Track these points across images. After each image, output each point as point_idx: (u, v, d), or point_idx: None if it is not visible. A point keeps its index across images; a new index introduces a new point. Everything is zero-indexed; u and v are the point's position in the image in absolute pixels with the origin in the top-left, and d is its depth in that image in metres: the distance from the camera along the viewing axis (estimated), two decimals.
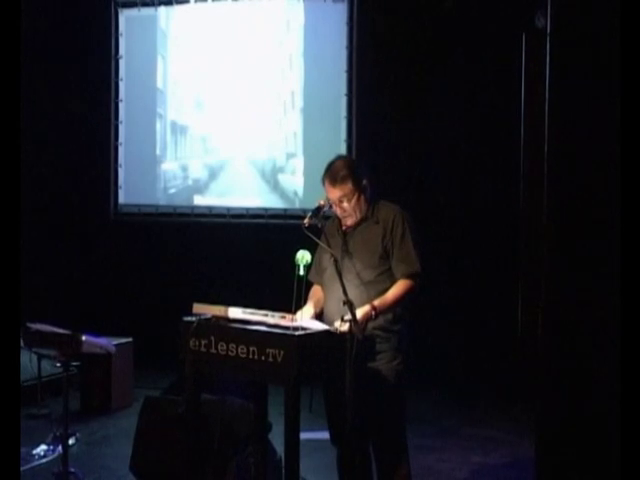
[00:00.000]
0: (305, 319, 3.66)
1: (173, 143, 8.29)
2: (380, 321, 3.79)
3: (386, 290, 3.81)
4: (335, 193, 3.85)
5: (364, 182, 3.89)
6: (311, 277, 4.00)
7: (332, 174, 3.87)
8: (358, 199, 3.86)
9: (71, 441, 5.21)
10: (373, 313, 3.70)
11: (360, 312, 3.62)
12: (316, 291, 4.05)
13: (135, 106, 8.37)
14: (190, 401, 3.85)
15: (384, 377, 3.80)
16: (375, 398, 3.78)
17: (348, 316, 3.49)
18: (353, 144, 7.62)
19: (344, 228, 3.95)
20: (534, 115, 6.27)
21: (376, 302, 3.73)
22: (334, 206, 3.89)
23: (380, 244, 3.85)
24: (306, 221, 3.67)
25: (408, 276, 3.84)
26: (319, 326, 3.63)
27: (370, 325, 3.73)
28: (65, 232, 8.31)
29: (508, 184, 6.97)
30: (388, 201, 3.99)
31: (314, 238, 3.70)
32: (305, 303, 3.87)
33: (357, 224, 3.92)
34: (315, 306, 3.95)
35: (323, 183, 3.90)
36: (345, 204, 3.86)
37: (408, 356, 3.89)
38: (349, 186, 3.84)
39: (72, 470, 4.59)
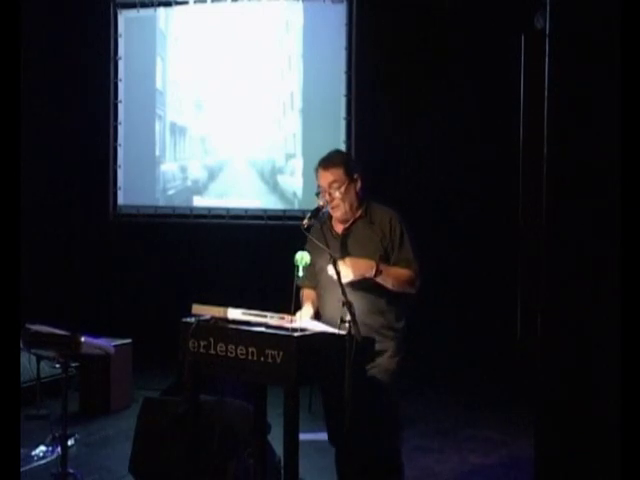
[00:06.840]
0: (305, 320, 3.67)
1: (172, 144, 8.28)
2: (384, 319, 3.82)
3: (383, 292, 3.82)
4: (327, 177, 3.85)
5: (356, 175, 3.90)
6: (301, 282, 3.99)
7: (326, 159, 3.92)
8: (348, 188, 3.86)
9: (70, 442, 5.20)
10: (374, 270, 3.71)
11: (361, 262, 3.69)
12: (309, 293, 4.02)
13: (134, 107, 8.36)
14: (189, 402, 3.84)
15: (384, 374, 3.82)
16: (373, 397, 3.78)
17: (348, 317, 3.49)
18: (352, 145, 7.62)
19: (339, 231, 3.94)
20: (533, 115, 6.28)
21: (381, 266, 3.75)
22: (324, 195, 3.88)
23: (380, 246, 3.86)
24: (305, 222, 3.69)
25: None
26: (320, 327, 3.63)
27: (374, 324, 3.76)
28: (64, 233, 8.30)
29: (508, 184, 6.98)
30: (381, 203, 4.00)
31: (313, 239, 3.71)
32: (301, 305, 3.89)
33: (350, 225, 3.92)
34: (312, 306, 3.95)
35: (316, 172, 3.91)
36: (336, 192, 3.85)
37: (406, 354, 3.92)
38: (340, 171, 3.85)
39: (71, 471, 4.58)
